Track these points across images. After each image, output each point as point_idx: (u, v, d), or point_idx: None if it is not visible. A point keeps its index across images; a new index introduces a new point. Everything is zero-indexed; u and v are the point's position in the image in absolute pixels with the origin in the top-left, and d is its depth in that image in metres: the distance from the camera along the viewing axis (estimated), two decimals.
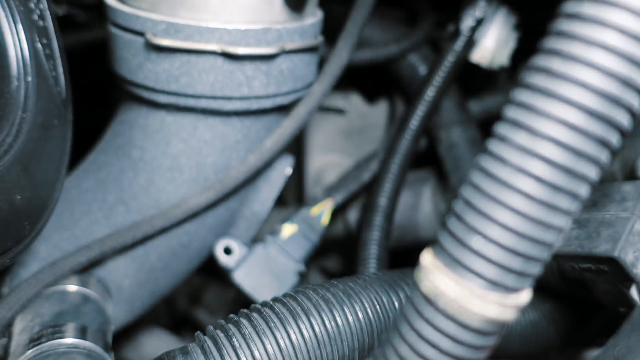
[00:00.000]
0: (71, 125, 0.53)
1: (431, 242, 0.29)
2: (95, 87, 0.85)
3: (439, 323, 0.27)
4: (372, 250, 0.65)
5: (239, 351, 0.44)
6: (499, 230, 0.26)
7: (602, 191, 0.50)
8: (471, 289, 0.26)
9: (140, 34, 0.54)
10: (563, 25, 0.26)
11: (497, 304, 0.27)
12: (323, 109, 0.92)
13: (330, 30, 0.79)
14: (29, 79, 0.49)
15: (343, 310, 0.46)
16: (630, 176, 0.52)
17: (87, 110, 0.66)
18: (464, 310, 0.27)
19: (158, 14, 0.53)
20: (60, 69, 0.52)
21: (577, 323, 0.59)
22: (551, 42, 0.26)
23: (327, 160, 0.93)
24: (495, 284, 0.26)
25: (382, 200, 0.69)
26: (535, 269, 0.27)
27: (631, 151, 0.53)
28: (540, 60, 0.27)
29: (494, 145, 0.27)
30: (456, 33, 0.72)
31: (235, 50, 0.53)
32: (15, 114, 0.47)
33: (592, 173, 0.26)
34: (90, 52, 0.77)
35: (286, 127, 0.59)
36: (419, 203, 0.80)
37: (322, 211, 0.68)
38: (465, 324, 0.27)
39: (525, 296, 0.27)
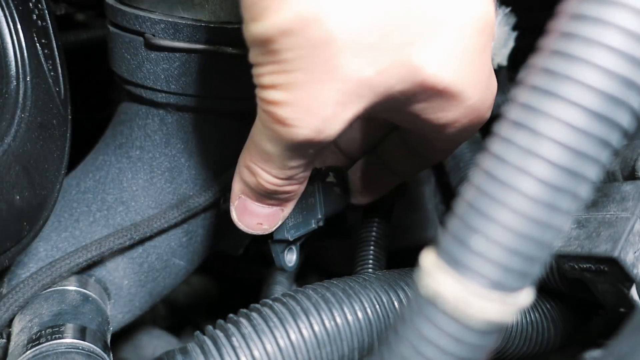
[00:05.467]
0: (70, 125, 0.53)
1: (431, 242, 0.29)
2: (95, 87, 0.84)
3: (440, 322, 0.27)
4: (371, 250, 0.65)
5: (239, 351, 0.44)
6: (500, 229, 0.26)
7: (602, 191, 0.50)
8: (473, 288, 0.26)
9: (140, 33, 0.54)
10: (564, 24, 0.26)
11: (499, 303, 0.27)
12: None
13: None
14: (28, 78, 0.49)
15: (343, 310, 0.46)
16: (630, 176, 0.52)
17: (87, 110, 0.66)
18: (466, 309, 0.27)
19: (157, 13, 0.53)
20: (60, 69, 0.52)
21: (577, 323, 0.58)
22: (552, 42, 0.26)
23: None
24: (497, 284, 0.26)
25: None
26: (536, 268, 0.27)
27: (631, 151, 0.53)
28: (540, 59, 0.27)
29: (494, 145, 0.27)
30: None
31: (234, 50, 0.53)
32: (14, 114, 0.47)
33: (594, 173, 0.26)
34: (89, 52, 0.77)
35: None
36: (419, 203, 0.80)
37: None
38: (466, 323, 0.27)
39: (527, 296, 0.27)
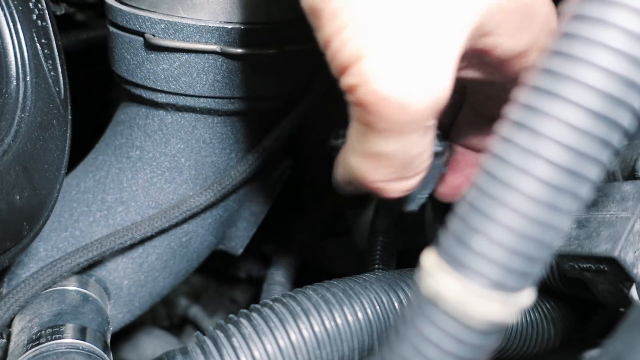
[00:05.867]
0: (70, 125, 0.53)
1: (431, 242, 0.29)
2: (95, 87, 0.84)
3: (441, 322, 0.27)
4: (380, 254, 0.65)
5: (239, 351, 0.44)
6: (501, 229, 0.26)
7: (602, 191, 0.50)
8: (474, 289, 0.26)
9: (140, 33, 0.54)
10: (565, 25, 0.26)
11: (500, 304, 0.27)
12: None
13: None
14: (28, 79, 0.49)
15: (343, 310, 0.46)
16: (630, 176, 0.52)
17: (87, 110, 0.66)
18: (467, 309, 0.27)
19: (157, 13, 0.53)
20: (60, 69, 0.52)
21: (577, 323, 0.59)
22: (553, 42, 0.26)
23: None
24: (498, 284, 0.26)
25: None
26: (537, 269, 0.27)
27: (631, 151, 0.53)
28: (541, 59, 0.27)
29: (495, 145, 0.27)
30: None
31: (235, 50, 0.53)
32: (14, 114, 0.47)
33: (595, 173, 0.26)
34: (89, 52, 0.77)
35: (285, 126, 0.59)
36: None
37: None
38: (467, 323, 0.27)
39: (528, 296, 0.27)
